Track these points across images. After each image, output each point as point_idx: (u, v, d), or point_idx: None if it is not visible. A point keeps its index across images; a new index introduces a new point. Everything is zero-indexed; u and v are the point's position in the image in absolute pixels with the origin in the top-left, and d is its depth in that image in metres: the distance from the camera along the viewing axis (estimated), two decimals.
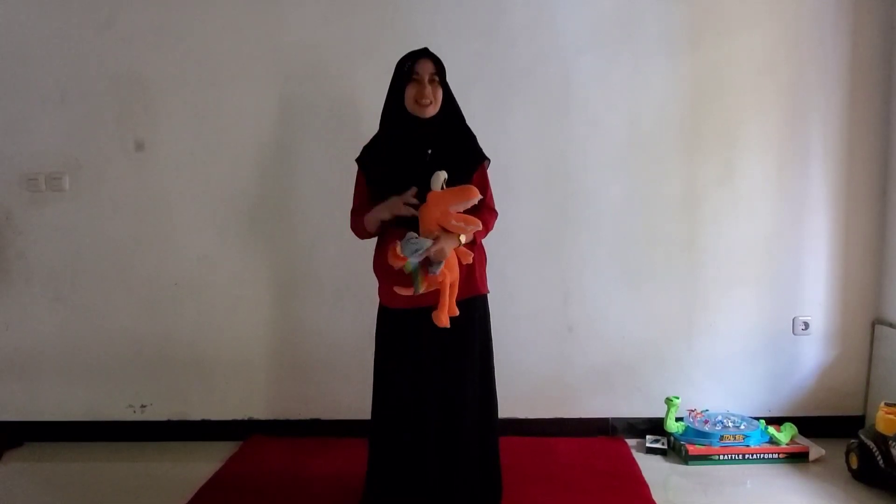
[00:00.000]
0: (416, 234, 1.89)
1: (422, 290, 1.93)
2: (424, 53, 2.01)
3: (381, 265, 2.06)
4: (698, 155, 2.80)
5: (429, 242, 1.87)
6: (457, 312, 1.95)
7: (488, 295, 2.18)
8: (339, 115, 2.79)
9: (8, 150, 2.87)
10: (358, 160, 2.12)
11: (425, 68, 1.98)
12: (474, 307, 2.09)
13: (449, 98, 2.06)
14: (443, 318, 1.92)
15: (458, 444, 2.05)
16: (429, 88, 1.97)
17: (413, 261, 1.89)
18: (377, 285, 2.12)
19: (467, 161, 2.08)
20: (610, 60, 2.77)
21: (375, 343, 2.13)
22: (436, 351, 2.02)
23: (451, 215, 1.89)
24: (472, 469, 2.09)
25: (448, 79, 2.05)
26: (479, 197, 1.91)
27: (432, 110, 2.00)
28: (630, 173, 2.81)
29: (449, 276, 1.92)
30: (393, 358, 2.07)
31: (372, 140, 2.13)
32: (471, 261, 1.99)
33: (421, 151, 2.01)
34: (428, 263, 1.90)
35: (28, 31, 2.82)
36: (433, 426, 2.03)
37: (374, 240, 2.12)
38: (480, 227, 1.92)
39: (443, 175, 1.91)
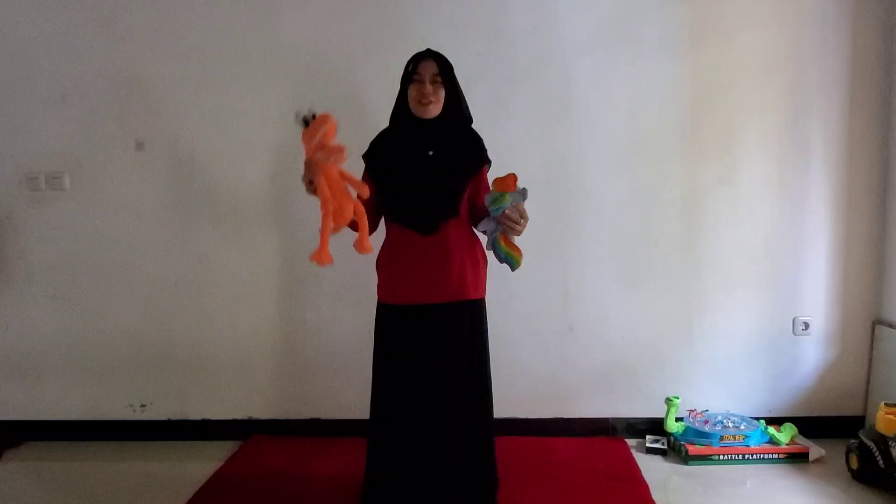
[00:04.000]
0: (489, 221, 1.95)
1: (519, 259, 1.98)
2: (428, 53, 2.03)
3: (385, 262, 2.07)
4: (698, 155, 2.80)
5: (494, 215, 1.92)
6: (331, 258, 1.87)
7: (486, 297, 2.17)
8: (340, 114, 2.75)
9: (8, 150, 2.87)
10: (364, 156, 2.13)
11: (427, 68, 2.00)
12: (466, 310, 2.08)
13: (454, 97, 2.06)
14: (324, 257, 1.85)
15: (454, 443, 2.05)
16: (429, 88, 1.97)
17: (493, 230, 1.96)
18: (377, 282, 2.13)
19: (469, 163, 2.09)
20: (610, 61, 2.77)
21: (374, 339, 2.14)
22: (425, 350, 2.03)
23: (316, 150, 1.82)
24: (467, 468, 2.09)
25: None
26: (331, 118, 1.84)
27: (434, 110, 2.00)
28: (630, 173, 2.81)
29: (331, 204, 1.83)
30: (389, 353, 2.07)
31: (378, 136, 2.14)
32: (367, 193, 1.89)
33: (422, 151, 2.01)
34: (504, 230, 1.96)
35: (28, 31, 2.82)
36: (429, 423, 2.03)
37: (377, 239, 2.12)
38: (344, 154, 1.81)
39: (301, 111, 1.85)
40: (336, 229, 1.87)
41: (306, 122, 1.84)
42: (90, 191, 2.88)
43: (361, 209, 1.90)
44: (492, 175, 2.18)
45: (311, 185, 1.84)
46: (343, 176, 1.86)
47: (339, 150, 1.83)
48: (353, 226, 1.92)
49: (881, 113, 2.75)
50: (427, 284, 2.01)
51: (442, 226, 2.01)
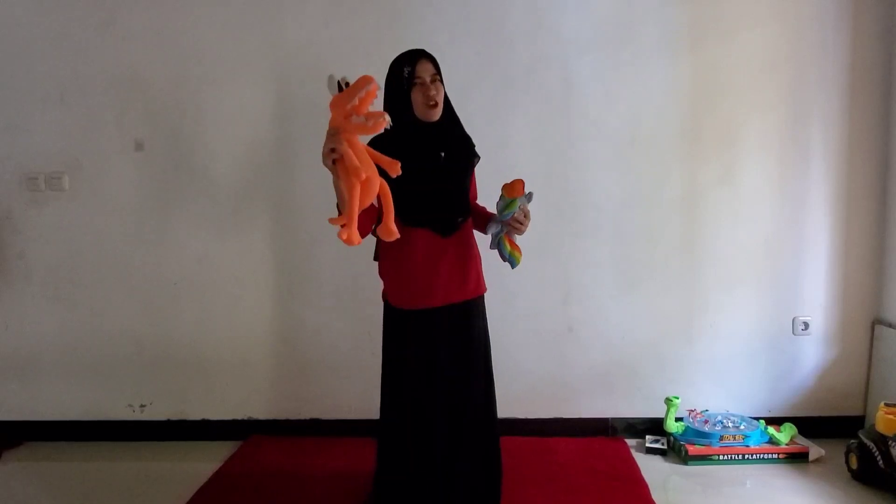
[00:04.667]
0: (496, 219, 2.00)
1: (520, 258, 2.02)
2: (421, 54, 1.98)
3: (399, 266, 2.05)
4: (698, 155, 2.80)
5: (506, 214, 1.95)
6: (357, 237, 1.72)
7: (486, 297, 2.18)
8: None
9: (8, 150, 2.87)
10: None
11: (426, 70, 1.96)
12: (478, 306, 2.11)
13: (445, 97, 2.06)
14: (353, 234, 1.68)
15: (464, 444, 2.06)
16: (433, 89, 1.95)
17: (498, 231, 2.00)
18: (380, 286, 2.12)
19: (472, 161, 2.11)
20: (610, 61, 2.77)
21: (383, 344, 2.12)
22: (445, 350, 2.03)
23: (350, 114, 1.67)
24: (476, 468, 2.10)
25: (448, 80, 2.05)
26: (374, 81, 1.69)
27: (439, 111, 1.99)
28: (630, 173, 2.81)
29: (364, 172, 1.67)
30: (404, 359, 2.05)
31: (376, 142, 2.11)
32: (398, 171, 1.76)
33: (434, 154, 2.00)
34: (508, 231, 2.02)
35: (28, 31, 2.82)
36: (442, 426, 2.03)
37: (376, 241, 2.11)
38: (386, 119, 1.66)
39: (336, 77, 1.73)
40: (363, 204, 1.69)
41: (340, 89, 1.71)
42: (90, 191, 2.88)
43: (387, 188, 1.77)
44: (486, 175, 2.19)
45: (334, 154, 1.69)
46: (368, 151, 1.73)
47: (380, 115, 1.65)
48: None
49: (881, 113, 2.75)
50: (452, 285, 2.02)
51: (460, 225, 2.04)
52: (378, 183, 1.73)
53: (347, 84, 1.71)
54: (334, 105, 1.71)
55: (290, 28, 2.79)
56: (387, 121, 1.66)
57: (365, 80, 1.67)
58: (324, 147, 1.71)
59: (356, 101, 1.66)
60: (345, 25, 2.77)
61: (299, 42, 2.79)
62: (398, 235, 1.80)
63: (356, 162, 1.66)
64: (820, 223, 2.81)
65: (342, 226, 1.70)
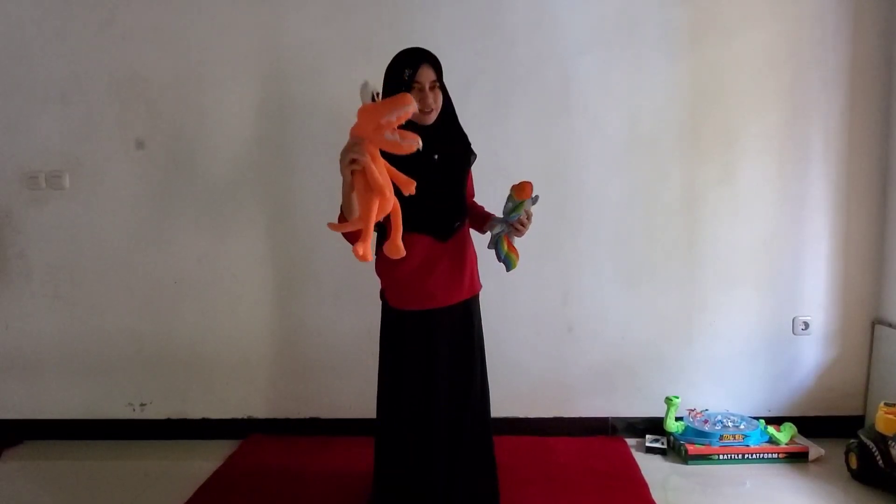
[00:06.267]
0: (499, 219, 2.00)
1: (516, 261, 2.02)
2: (424, 59, 1.95)
3: (387, 269, 2.05)
4: (698, 155, 2.80)
5: (513, 216, 1.95)
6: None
7: (485, 297, 2.19)
8: (339, 114, 2.77)
9: (8, 149, 2.88)
10: None
11: (426, 75, 1.92)
12: (475, 305, 2.12)
13: (445, 97, 2.05)
14: (399, 247, 1.72)
15: (464, 443, 2.06)
16: (430, 97, 1.93)
17: (500, 232, 2.00)
18: (378, 286, 2.12)
19: (466, 160, 2.10)
20: (610, 61, 2.77)
21: (381, 344, 2.12)
22: (445, 350, 2.03)
23: (384, 128, 1.62)
24: (475, 468, 2.10)
25: (447, 79, 2.04)
26: (414, 103, 1.64)
27: (434, 117, 1.98)
28: (630, 173, 2.81)
29: (387, 190, 1.67)
30: (403, 359, 2.05)
31: None
32: (413, 191, 1.75)
33: (428, 157, 1.98)
34: (509, 232, 2.02)
35: (28, 30, 2.82)
36: (442, 426, 2.03)
37: (375, 242, 2.10)
38: (419, 143, 1.62)
39: (371, 85, 1.68)
40: (376, 219, 1.68)
41: (373, 99, 1.66)
42: (90, 190, 2.88)
43: (398, 206, 1.74)
44: (486, 175, 2.19)
45: (355, 165, 1.64)
46: (386, 167, 1.69)
47: (414, 138, 1.61)
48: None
49: (881, 113, 2.75)
50: (450, 286, 2.03)
51: (458, 229, 2.04)
52: (393, 201, 1.71)
53: (378, 95, 1.68)
54: (364, 113, 1.66)
55: (290, 27, 2.79)
56: (418, 145, 1.61)
57: (407, 100, 1.63)
58: (344, 154, 1.65)
59: (393, 118, 1.60)
60: (345, 25, 2.77)
61: (299, 41, 2.79)
62: (405, 253, 1.78)
63: (380, 179, 1.63)
64: (820, 223, 2.81)
65: (357, 240, 1.67)
